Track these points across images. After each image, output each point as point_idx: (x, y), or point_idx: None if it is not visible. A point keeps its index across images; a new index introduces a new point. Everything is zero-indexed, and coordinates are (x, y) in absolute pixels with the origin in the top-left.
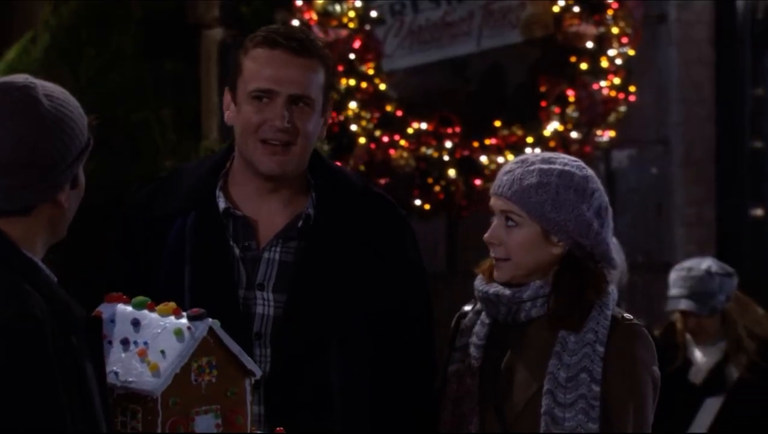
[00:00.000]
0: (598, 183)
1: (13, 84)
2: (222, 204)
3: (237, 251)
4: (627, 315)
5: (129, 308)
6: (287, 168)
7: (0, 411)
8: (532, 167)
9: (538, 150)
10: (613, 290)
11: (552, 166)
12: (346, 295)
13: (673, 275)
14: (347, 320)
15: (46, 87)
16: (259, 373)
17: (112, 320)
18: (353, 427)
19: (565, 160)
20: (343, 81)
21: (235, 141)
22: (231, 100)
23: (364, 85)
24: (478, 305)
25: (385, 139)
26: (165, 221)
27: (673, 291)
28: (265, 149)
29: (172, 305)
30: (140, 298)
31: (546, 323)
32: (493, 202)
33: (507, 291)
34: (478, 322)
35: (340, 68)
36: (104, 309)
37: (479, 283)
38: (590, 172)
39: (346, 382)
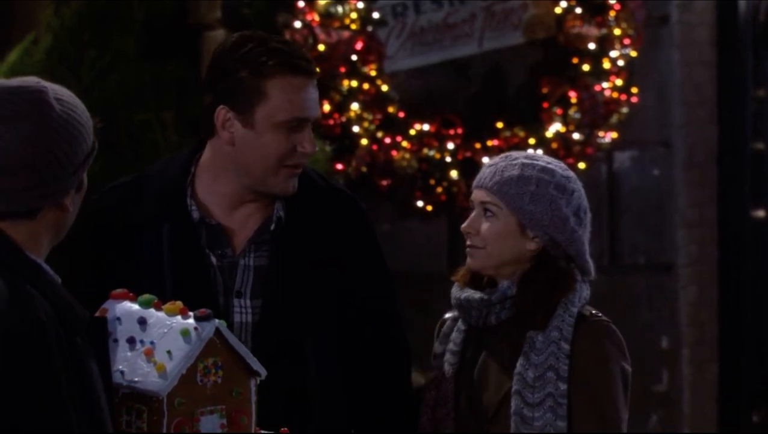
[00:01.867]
0: (580, 186)
1: (26, 88)
2: (196, 214)
3: (214, 259)
4: (594, 312)
5: (135, 307)
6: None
7: (6, 415)
8: (515, 161)
9: (540, 151)
10: (581, 288)
11: (535, 162)
12: (319, 295)
13: None
14: (322, 319)
15: (56, 90)
16: (264, 373)
17: (118, 318)
18: (331, 426)
19: (549, 159)
20: (345, 82)
21: (233, 160)
22: (234, 120)
23: (366, 86)
24: (456, 312)
25: (387, 140)
26: (138, 230)
27: None
28: (287, 172)
29: (179, 304)
30: (147, 296)
31: (515, 323)
32: (474, 194)
33: (476, 295)
34: (455, 329)
35: (342, 70)
36: (110, 306)
37: (454, 290)
38: (573, 175)
39: (324, 383)
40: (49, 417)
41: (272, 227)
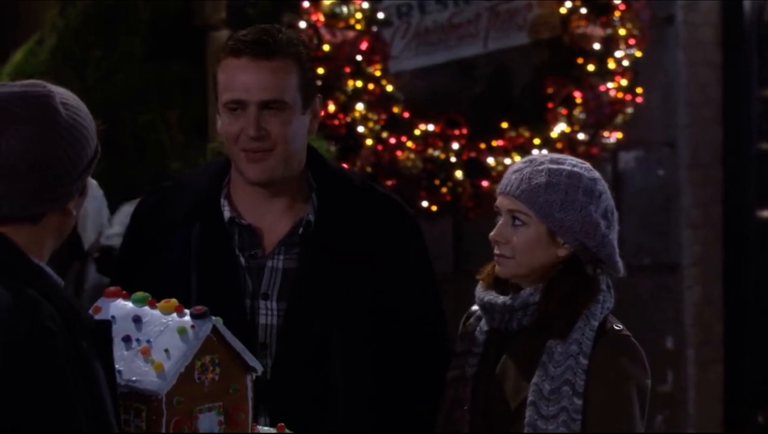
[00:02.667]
0: (605, 186)
1: (32, 92)
2: (227, 213)
3: (243, 260)
4: (616, 326)
5: (129, 305)
6: (273, 174)
7: (15, 421)
8: (540, 167)
9: (545, 151)
10: (605, 298)
11: (561, 166)
12: (347, 299)
13: None
14: (349, 324)
15: (62, 95)
16: (260, 369)
17: (112, 317)
18: (355, 430)
19: (573, 161)
20: (350, 83)
21: None
22: (218, 110)
23: (371, 86)
24: (479, 312)
25: (392, 140)
26: (170, 232)
27: None
28: (247, 157)
29: (174, 302)
30: (140, 294)
31: (537, 331)
32: (500, 201)
33: (499, 300)
34: (478, 329)
35: (347, 70)
36: (103, 304)
37: (478, 290)
38: (598, 174)
39: (349, 387)
40: (58, 422)
41: (300, 230)
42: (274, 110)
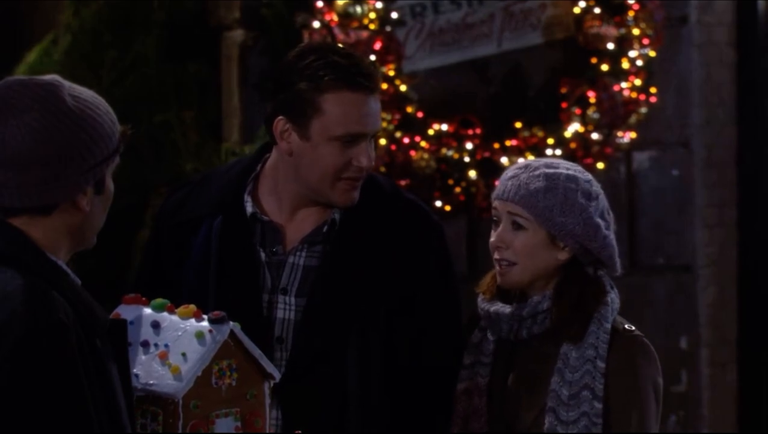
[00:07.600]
0: (599, 187)
1: (36, 81)
2: (249, 209)
3: (263, 255)
4: (627, 326)
5: (148, 311)
6: (358, 197)
7: (27, 417)
8: (537, 172)
9: (558, 151)
10: (612, 299)
11: (557, 171)
12: (366, 300)
13: None
14: (366, 324)
15: (74, 88)
16: (278, 376)
17: (132, 322)
18: (369, 429)
19: (567, 165)
20: None
21: (293, 170)
22: (292, 131)
23: (384, 86)
24: (483, 322)
25: (406, 140)
26: (192, 226)
27: None
28: (345, 185)
29: (192, 308)
30: (159, 300)
31: (548, 338)
32: (499, 207)
33: (507, 309)
34: (484, 339)
35: None
36: (122, 311)
37: (481, 301)
38: (591, 176)
39: (362, 387)
40: (70, 418)
41: (325, 228)
42: (372, 138)
